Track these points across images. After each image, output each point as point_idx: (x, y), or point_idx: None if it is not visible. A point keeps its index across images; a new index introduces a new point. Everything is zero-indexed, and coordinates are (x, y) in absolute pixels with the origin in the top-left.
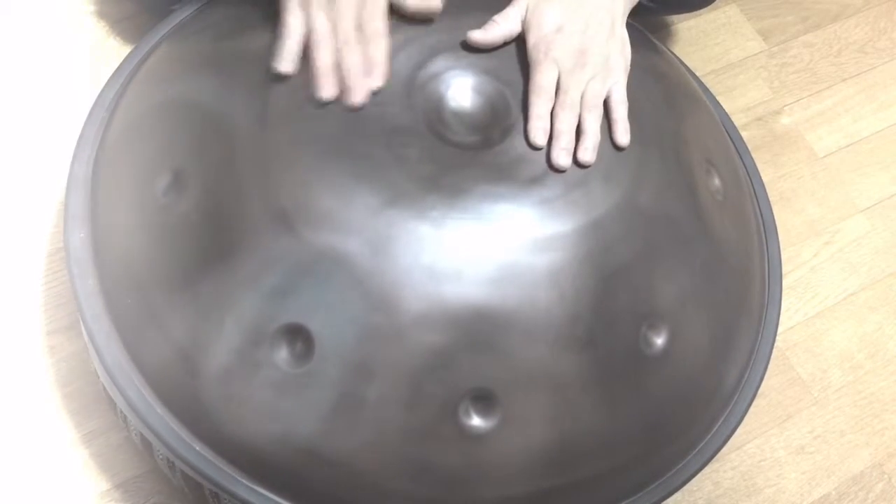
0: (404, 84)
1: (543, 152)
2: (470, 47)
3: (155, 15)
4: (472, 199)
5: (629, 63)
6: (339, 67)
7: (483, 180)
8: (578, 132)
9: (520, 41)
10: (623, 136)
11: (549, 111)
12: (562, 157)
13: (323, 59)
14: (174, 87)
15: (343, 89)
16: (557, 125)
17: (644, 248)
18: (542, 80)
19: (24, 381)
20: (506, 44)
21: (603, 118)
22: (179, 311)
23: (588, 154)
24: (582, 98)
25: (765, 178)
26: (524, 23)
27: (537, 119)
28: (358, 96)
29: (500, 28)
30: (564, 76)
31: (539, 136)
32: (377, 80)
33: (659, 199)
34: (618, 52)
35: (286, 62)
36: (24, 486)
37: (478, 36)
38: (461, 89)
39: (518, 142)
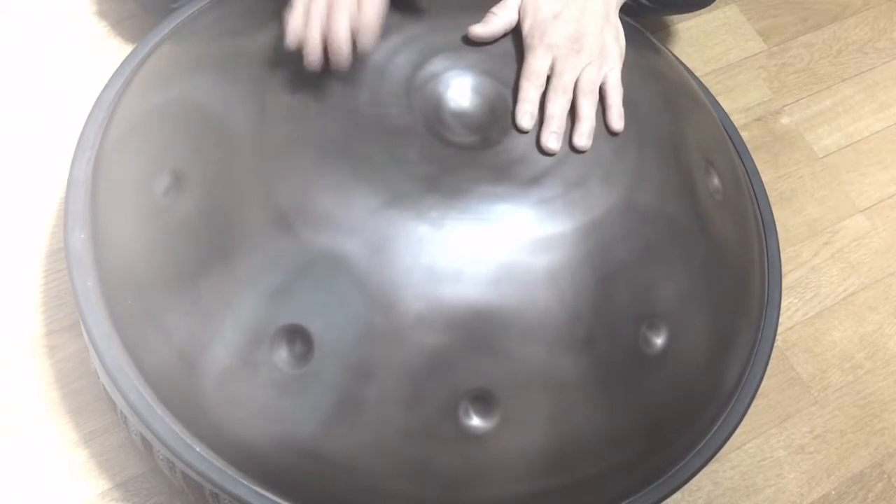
0: (403, 84)
1: (544, 153)
2: (468, 47)
3: (155, 15)
4: (472, 199)
5: (623, 51)
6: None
7: (482, 181)
8: (573, 118)
9: (518, 39)
10: (617, 121)
11: (539, 96)
12: (551, 140)
13: (311, 29)
14: (174, 87)
15: (329, 55)
16: (549, 109)
17: (643, 249)
18: (535, 65)
19: (25, 381)
20: (505, 36)
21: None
22: (179, 312)
23: (584, 139)
24: (577, 84)
25: (764, 178)
26: (520, 10)
27: (525, 102)
28: (341, 61)
29: (499, 19)
30: (559, 61)
31: (525, 119)
32: (365, 41)
33: (658, 199)
34: (612, 39)
35: (289, 38)
36: (24, 485)
37: (479, 30)
38: (460, 89)
39: (517, 142)
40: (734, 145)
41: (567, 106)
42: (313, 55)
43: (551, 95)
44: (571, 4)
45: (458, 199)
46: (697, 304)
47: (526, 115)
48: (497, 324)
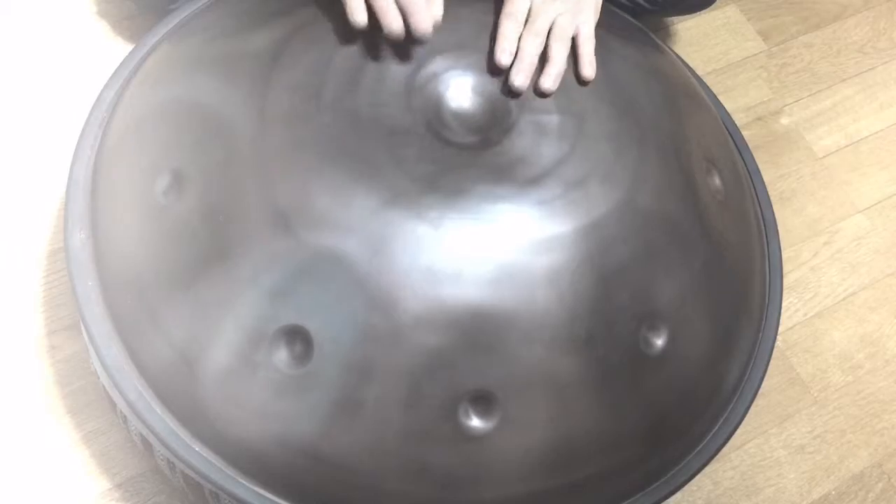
0: (403, 84)
1: (544, 153)
2: (468, 47)
3: (155, 15)
4: (471, 199)
5: (599, 9)
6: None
7: (482, 181)
8: (544, 61)
9: None
10: (588, 69)
11: (518, 35)
12: (520, 78)
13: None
14: (173, 87)
15: (408, 21)
16: (522, 47)
17: (643, 249)
18: (513, 8)
19: (25, 381)
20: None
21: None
22: (179, 312)
23: (550, 81)
24: (550, 30)
25: (764, 178)
26: None
27: (504, 40)
28: (424, 23)
29: None
30: (535, 7)
31: (504, 56)
32: (438, 9)
33: (658, 199)
34: None
35: (358, 12)
36: (24, 485)
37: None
38: (460, 89)
39: (517, 142)
40: (735, 144)
41: (539, 48)
42: (395, 23)
43: (525, 36)
44: None
45: (457, 199)
46: (698, 305)
47: (505, 52)
48: (497, 324)
